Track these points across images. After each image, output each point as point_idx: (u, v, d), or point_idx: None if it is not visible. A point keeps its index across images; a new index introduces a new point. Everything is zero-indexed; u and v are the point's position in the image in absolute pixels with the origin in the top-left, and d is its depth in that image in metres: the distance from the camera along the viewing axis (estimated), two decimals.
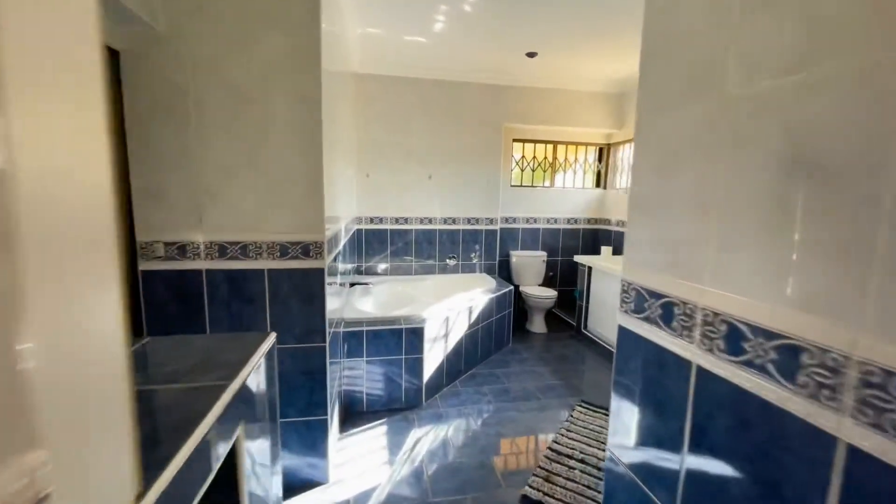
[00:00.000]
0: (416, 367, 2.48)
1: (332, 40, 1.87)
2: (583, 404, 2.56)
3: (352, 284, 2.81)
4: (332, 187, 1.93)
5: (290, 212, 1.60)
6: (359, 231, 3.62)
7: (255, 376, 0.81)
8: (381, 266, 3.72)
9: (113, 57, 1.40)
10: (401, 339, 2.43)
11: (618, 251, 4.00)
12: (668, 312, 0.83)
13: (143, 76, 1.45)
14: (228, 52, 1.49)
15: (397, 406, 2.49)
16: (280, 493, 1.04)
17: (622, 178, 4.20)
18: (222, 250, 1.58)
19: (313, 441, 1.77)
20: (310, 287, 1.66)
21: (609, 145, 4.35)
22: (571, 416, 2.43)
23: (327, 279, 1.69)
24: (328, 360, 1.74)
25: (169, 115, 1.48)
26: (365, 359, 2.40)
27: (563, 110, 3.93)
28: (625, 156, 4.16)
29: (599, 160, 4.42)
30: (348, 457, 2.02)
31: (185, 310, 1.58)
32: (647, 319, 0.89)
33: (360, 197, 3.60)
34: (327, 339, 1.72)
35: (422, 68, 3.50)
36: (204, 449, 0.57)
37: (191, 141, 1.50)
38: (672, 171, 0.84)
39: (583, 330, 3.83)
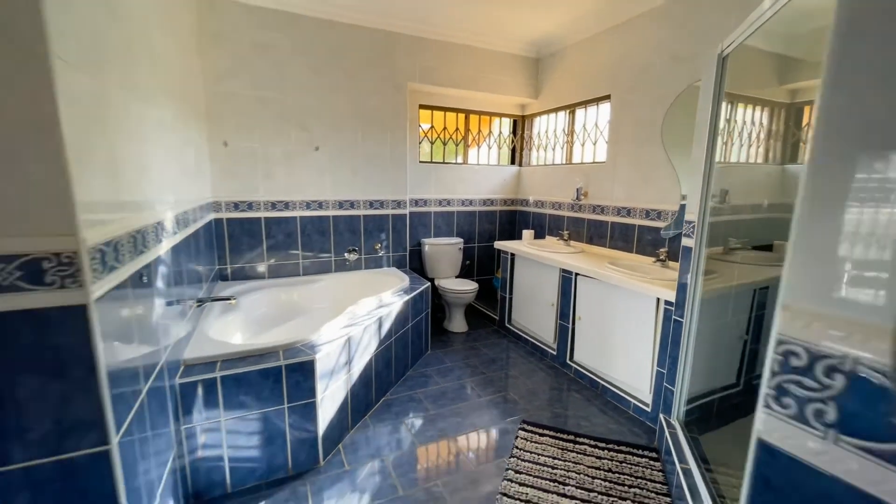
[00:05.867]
0: (307, 414, 1.73)
1: None
2: (525, 427, 2.09)
3: (201, 302, 1.90)
4: (117, 145, 1.06)
5: None
6: (217, 221, 2.63)
7: None
8: (259, 267, 2.79)
9: None
10: (279, 382, 1.64)
11: (539, 234, 3.65)
12: None
13: None
14: None
15: (282, 476, 1.72)
16: None
17: (539, 154, 3.84)
18: None
19: None
20: (54, 346, 0.81)
21: (524, 117, 3.95)
22: (515, 446, 1.94)
23: (100, 323, 0.85)
24: (120, 476, 0.92)
25: None
26: (223, 416, 1.58)
27: (476, 72, 3.37)
28: (541, 129, 3.79)
29: (514, 133, 4.00)
30: None
31: None
32: None
33: (218, 174, 2.60)
34: (113, 437, 0.89)
35: (297, 1, 2.60)
36: None
37: None
38: None
39: (507, 324, 3.42)
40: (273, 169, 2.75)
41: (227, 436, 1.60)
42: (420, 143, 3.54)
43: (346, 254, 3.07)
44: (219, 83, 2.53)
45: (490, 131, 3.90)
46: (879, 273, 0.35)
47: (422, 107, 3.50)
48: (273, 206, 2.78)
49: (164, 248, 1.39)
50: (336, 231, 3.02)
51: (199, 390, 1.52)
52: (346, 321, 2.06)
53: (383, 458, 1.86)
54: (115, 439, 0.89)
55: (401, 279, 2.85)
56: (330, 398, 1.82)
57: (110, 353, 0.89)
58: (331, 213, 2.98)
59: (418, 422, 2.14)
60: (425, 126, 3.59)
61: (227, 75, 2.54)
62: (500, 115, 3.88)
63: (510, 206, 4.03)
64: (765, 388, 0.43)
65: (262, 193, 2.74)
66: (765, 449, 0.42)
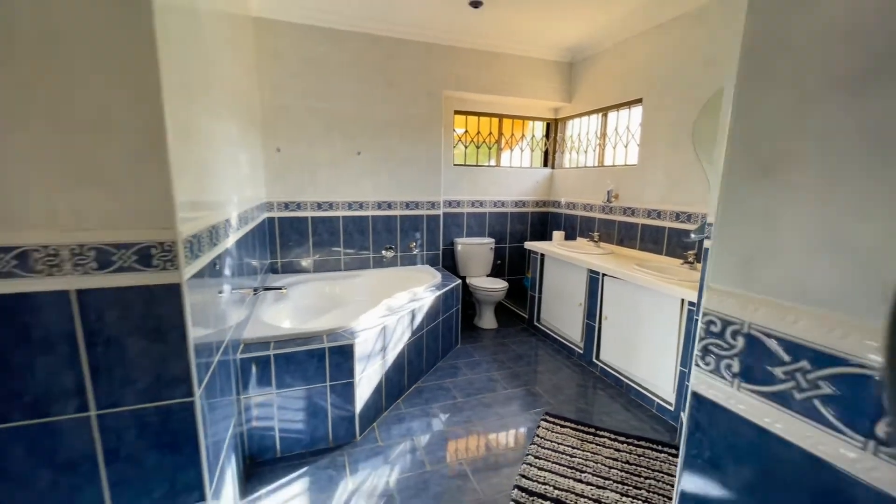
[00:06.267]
0: (346, 393, 1.93)
1: None
2: (547, 418, 2.19)
3: (257, 290, 2.16)
4: (201, 158, 1.29)
5: (110, 193, 0.96)
6: (270, 220, 2.92)
7: None
8: (304, 262, 3.06)
9: None
10: (323, 362, 1.86)
11: (570, 235, 3.71)
12: (853, 398, 0.39)
13: None
14: None
15: (323, 446, 1.93)
16: None
17: (572, 157, 3.89)
18: None
19: None
20: (157, 315, 1.04)
21: (557, 120, 4.01)
22: (537, 434, 2.05)
23: (188, 298, 1.07)
24: (200, 420, 1.14)
25: None
26: (275, 390, 1.81)
27: (510, 78, 3.49)
28: (574, 132, 3.85)
29: (547, 136, 4.08)
30: None
31: None
32: (780, 399, 0.45)
33: (271, 178, 2.89)
34: (196, 390, 1.12)
35: (343, 17, 2.84)
36: None
37: None
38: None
39: (535, 323, 3.50)
40: (319, 172, 3.01)
41: (279, 410, 1.84)
42: (454, 146, 3.70)
43: (383, 251, 3.29)
44: (274, 96, 2.81)
45: (523, 134, 4.00)
46: (758, 262, 0.47)
47: (457, 112, 3.66)
48: (319, 206, 3.04)
49: (230, 241, 1.64)
50: (374, 230, 3.24)
51: (256, 366, 1.75)
52: (382, 312, 2.25)
53: (413, 437, 2.03)
54: (197, 392, 1.12)
55: (433, 276, 3.02)
56: (366, 380, 2.02)
57: (194, 325, 1.12)
58: (370, 213, 3.20)
59: (447, 408, 2.30)
60: (459, 130, 3.75)
61: (281, 89, 2.82)
62: (534, 119, 3.97)
63: (542, 208, 4.11)
64: (695, 351, 0.55)
65: (309, 195, 3.00)
66: (695, 398, 0.53)
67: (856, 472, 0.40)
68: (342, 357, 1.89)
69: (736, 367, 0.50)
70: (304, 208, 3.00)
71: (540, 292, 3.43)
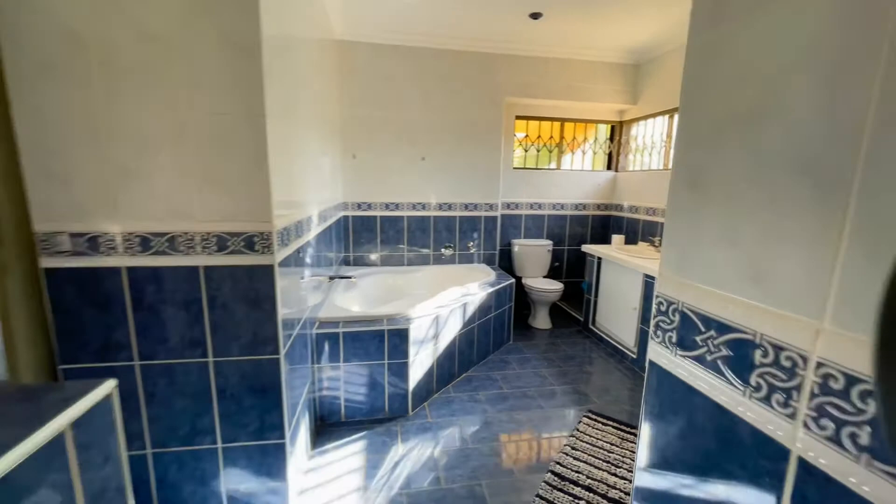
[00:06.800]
0: (401, 372, 2.19)
1: None
2: (590, 415, 2.26)
3: (332, 278, 2.51)
4: (291, 166, 1.61)
5: (227, 194, 1.29)
6: (345, 218, 3.30)
7: (37, 468, 0.49)
8: (372, 256, 3.41)
9: None
10: (383, 342, 2.13)
11: (630, 239, 3.65)
12: (740, 357, 0.51)
13: (28, 23, 1.12)
14: None
15: (380, 416, 2.21)
16: None
17: (637, 159, 3.82)
18: (145, 243, 1.27)
19: (269, 468, 1.49)
20: (256, 288, 1.35)
21: (622, 123, 3.95)
22: (577, 429, 2.13)
23: (279, 278, 1.38)
24: (284, 374, 1.45)
25: (64, 72, 1.15)
26: (343, 363, 2.11)
27: (572, 83, 3.53)
28: (639, 134, 3.77)
29: (611, 139, 4.03)
30: (319, 479, 1.75)
31: (102, 318, 1.28)
32: (700, 361, 0.57)
33: (347, 181, 3.27)
34: (281, 350, 1.42)
35: (412, 34, 3.12)
36: None
37: (96, 105, 1.18)
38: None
39: (590, 325, 3.51)
40: (388, 176, 3.33)
41: (344, 383, 2.14)
42: (514, 150, 3.83)
43: (442, 249, 3.53)
44: (352, 108, 3.18)
45: (585, 137, 4.00)
46: (688, 254, 0.59)
47: (518, 118, 3.79)
48: (386, 206, 3.37)
49: (311, 235, 1.97)
50: (435, 229, 3.49)
51: (328, 342, 2.07)
52: (436, 303, 2.48)
53: (459, 418, 2.23)
54: (282, 352, 1.42)
55: (487, 274, 3.19)
56: (419, 362, 2.26)
57: (282, 298, 1.42)
58: (432, 213, 3.46)
59: (492, 396, 2.46)
60: (520, 135, 3.87)
61: (358, 101, 3.19)
62: (598, 122, 3.95)
63: (603, 211, 4.07)
64: (651, 328, 0.67)
65: (378, 196, 3.34)
66: (651, 365, 0.66)
67: (740, 413, 0.51)
68: (399, 339, 2.14)
69: (674, 338, 0.62)
70: (374, 208, 3.35)
71: (596, 295, 3.44)
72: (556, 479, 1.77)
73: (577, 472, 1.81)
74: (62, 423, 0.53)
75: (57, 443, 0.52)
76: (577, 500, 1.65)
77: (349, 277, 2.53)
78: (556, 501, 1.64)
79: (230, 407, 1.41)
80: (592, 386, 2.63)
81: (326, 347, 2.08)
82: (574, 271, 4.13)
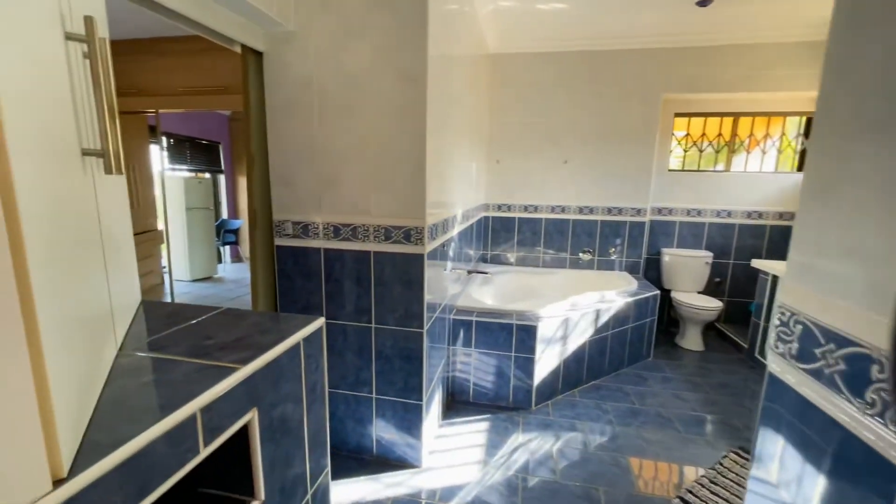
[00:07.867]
0: (526, 366, 2.30)
1: (447, 18, 1.79)
2: (741, 452, 1.98)
3: (470, 272, 2.76)
4: (442, 172, 1.88)
5: (394, 196, 1.61)
6: (486, 218, 3.55)
7: (286, 360, 0.79)
8: (509, 255, 3.58)
9: (259, 58, 1.61)
10: (511, 336, 2.27)
11: None
12: (857, 372, 0.50)
13: (279, 73, 1.62)
14: (346, 39, 1.55)
15: (503, 404, 2.36)
16: (326, 478, 1.02)
17: None
18: (336, 231, 1.69)
19: (408, 424, 1.80)
20: (409, 272, 1.65)
21: None
22: (721, 463, 1.91)
23: (427, 266, 1.65)
24: (425, 347, 1.73)
25: (298, 108, 1.63)
26: (474, 349, 2.34)
27: (748, 71, 3.05)
28: None
29: (806, 136, 3.32)
30: (446, 445, 2.00)
31: (307, 284, 1.76)
32: (816, 375, 0.56)
33: (490, 183, 3.51)
34: (425, 326, 1.70)
35: (562, 40, 3.16)
36: (178, 433, 0.55)
37: (315, 130, 1.63)
38: None
39: (756, 354, 2.99)
40: (529, 178, 3.44)
41: (474, 369, 2.36)
42: (671, 150, 3.50)
43: (580, 253, 3.47)
44: (501, 115, 3.39)
45: (768, 133, 3.39)
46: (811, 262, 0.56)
47: (677, 115, 3.45)
48: (525, 208, 3.49)
49: (454, 232, 2.23)
50: (574, 233, 3.46)
51: (462, 329, 2.32)
52: (567, 306, 2.50)
53: (581, 422, 2.22)
54: (425, 328, 1.70)
55: (628, 283, 3.02)
56: (545, 361, 2.33)
57: (427, 283, 1.70)
58: (571, 216, 3.44)
59: (621, 409, 2.36)
60: (679, 133, 3.51)
61: (505, 109, 3.38)
62: (786, 114, 3.31)
63: (787, 221, 3.39)
64: (771, 339, 0.65)
65: (518, 198, 3.48)
66: (772, 379, 0.64)
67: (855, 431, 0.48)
68: (526, 335, 2.26)
69: (794, 350, 0.58)
70: (513, 210, 3.51)
71: (767, 320, 2.91)
72: None
73: None
74: (299, 336, 0.84)
75: (296, 348, 0.84)
76: None
77: (486, 273, 2.74)
78: None
79: (384, 366, 1.75)
80: (749, 421, 2.28)
81: (461, 333, 2.33)
82: (740, 290, 3.55)
